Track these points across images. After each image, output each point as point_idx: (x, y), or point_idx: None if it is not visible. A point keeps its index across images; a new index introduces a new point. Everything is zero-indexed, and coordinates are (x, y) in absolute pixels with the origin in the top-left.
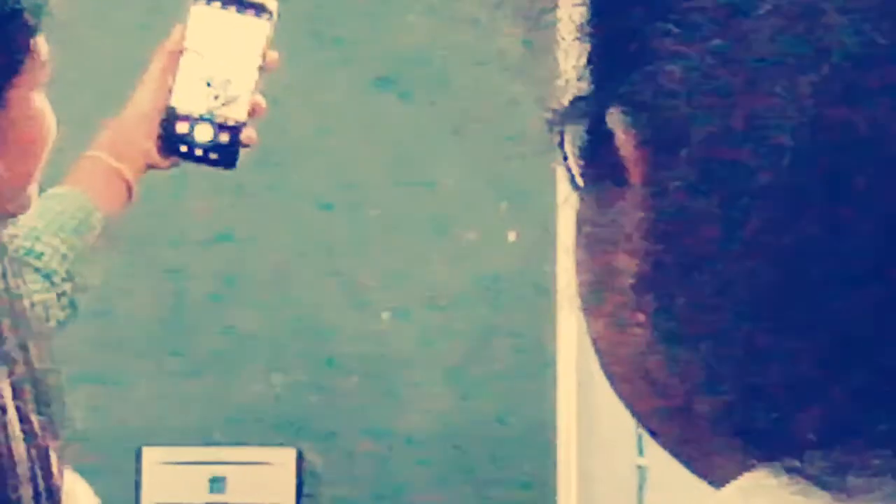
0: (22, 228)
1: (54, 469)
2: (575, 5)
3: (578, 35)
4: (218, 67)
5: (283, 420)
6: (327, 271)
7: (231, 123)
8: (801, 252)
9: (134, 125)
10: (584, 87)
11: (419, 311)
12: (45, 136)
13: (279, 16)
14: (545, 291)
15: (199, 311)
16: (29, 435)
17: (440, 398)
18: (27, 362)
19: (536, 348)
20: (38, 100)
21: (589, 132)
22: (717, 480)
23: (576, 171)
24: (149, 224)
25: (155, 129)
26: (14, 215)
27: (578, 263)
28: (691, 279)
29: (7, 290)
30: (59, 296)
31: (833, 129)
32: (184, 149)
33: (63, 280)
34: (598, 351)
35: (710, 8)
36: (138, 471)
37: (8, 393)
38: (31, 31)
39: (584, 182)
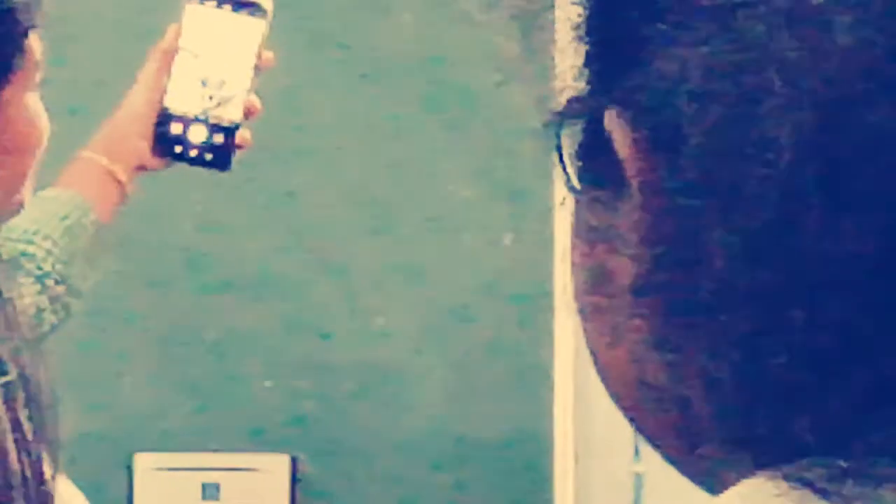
0: (15, 230)
1: (47, 476)
2: (572, 4)
3: (576, 35)
4: (213, 67)
5: (276, 426)
6: (322, 275)
7: (226, 124)
8: (801, 254)
9: (127, 126)
10: (582, 88)
11: (415, 316)
12: (39, 136)
13: (274, 15)
14: (541, 295)
15: (192, 315)
16: (21, 441)
17: (436, 404)
18: (19, 367)
19: (533, 353)
20: (31, 100)
21: (586, 133)
22: (715, 487)
23: (572, 172)
24: (141, 225)
25: (149, 130)
26: (7, 217)
27: (575, 266)
28: (690, 282)
29: None
30: (52, 299)
31: (833, 130)
32: (178, 149)
33: (56, 283)
34: (594, 355)
35: (709, 7)
36: (131, 477)
37: None
38: (24, 31)
39: (581, 183)
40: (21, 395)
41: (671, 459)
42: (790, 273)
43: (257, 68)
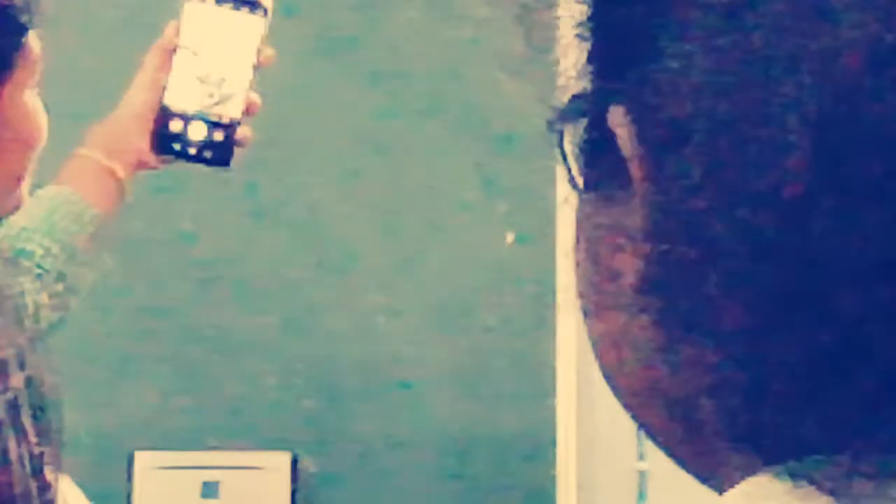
0: (13, 228)
1: (48, 475)
2: (576, 2)
3: (579, 33)
4: (212, 65)
5: (277, 424)
6: (323, 273)
7: (225, 121)
8: (808, 252)
9: (127, 123)
10: (585, 86)
11: (416, 314)
12: (37, 134)
13: (274, 13)
14: (544, 294)
15: (192, 312)
16: (23, 440)
17: (437, 403)
18: (21, 366)
19: (535, 352)
20: (29, 98)
21: (589, 131)
22: (720, 485)
23: (575, 171)
24: (140, 223)
25: (148, 128)
26: (5, 215)
27: (579, 265)
28: (695, 280)
29: None
30: (52, 297)
31: (839, 128)
32: (177, 147)
33: (55, 280)
34: (598, 354)
35: (714, 4)
36: (130, 476)
37: (1, 398)
38: (23, 29)
39: (584, 182)
40: (23, 395)
41: (676, 457)
42: (797, 271)
43: (257, 66)
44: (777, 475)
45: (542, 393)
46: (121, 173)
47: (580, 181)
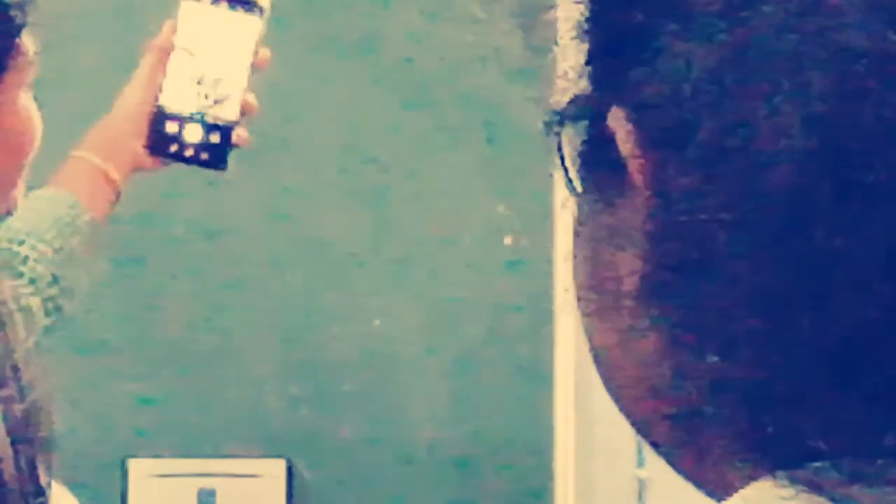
0: (7, 231)
1: (42, 482)
2: (575, 3)
3: (578, 34)
4: (208, 66)
5: (273, 431)
6: (320, 277)
7: (222, 123)
8: (811, 253)
9: (122, 125)
10: (584, 87)
11: (413, 318)
12: (31, 136)
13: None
14: (543, 298)
15: (188, 318)
16: (16, 447)
17: (435, 408)
18: (14, 371)
19: (534, 357)
20: (24, 99)
21: (588, 132)
22: (721, 492)
23: (573, 174)
24: (134, 226)
25: (143, 129)
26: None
27: (578, 268)
28: (696, 283)
29: None
30: (45, 300)
31: (842, 128)
32: (173, 149)
33: (49, 284)
34: (597, 359)
35: (715, 3)
36: (125, 483)
37: None
38: (17, 29)
39: (583, 184)
40: (17, 402)
41: (675, 464)
42: (799, 273)
43: (254, 66)
44: (779, 481)
45: (539, 399)
46: (116, 175)
47: (578, 185)
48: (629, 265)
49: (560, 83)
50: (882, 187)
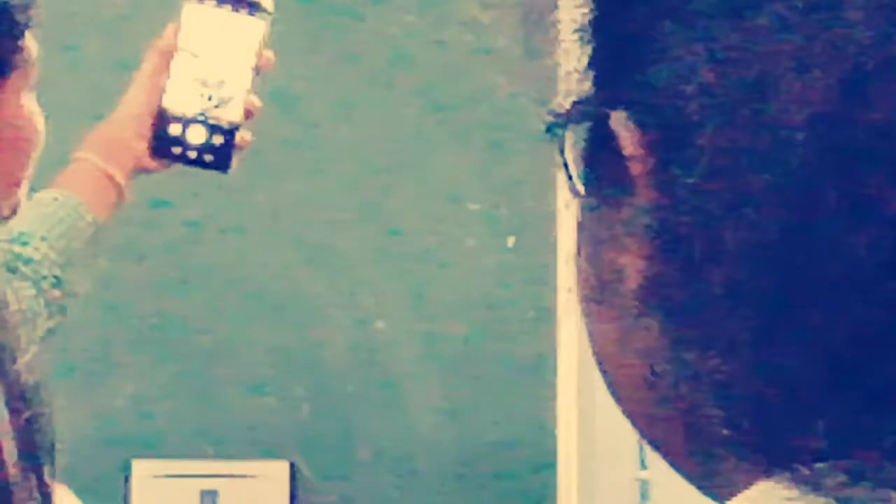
0: (10, 233)
1: (46, 484)
2: (577, 6)
3: (580, 36)
4: (212, 67)
5: (275, 432)
6: (321, 279)
7: (225, 125)
8: (814, 253)
9: (125, 126)
10: (587, 89)
11: (415, 320)
12: (35, 138)
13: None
14: (545, 299)
15: (190, 320)
16: (20, 449)
17: (437, 409)
18: (16, 373)
19: (536, 358)
20: (27, 101)
21: (591, 134)
22: (722, 493)
23: (576, 175)
24: (135, 229)
25: (147, 131)
26: (3, 219)
27: (580, 269)
28: (698, 283)
29: None
30: (48, 303)
31: (845, 128)
32: (176, 151)
33: (52, 286)
34: (599, 360)
35: (717, 4)
36: (128, 484)
37: None
38: (20, 31)
39: (586, 186)
40: (20, 403)
41: (677, 465)
42: (803, 273)
43: (257, 68)
44: (781, 481)
45: (541, 400)
46: (119, 177)
47: (580, 187)
48: (632, 266)
49: (562, 85)
50: (885, 187)
